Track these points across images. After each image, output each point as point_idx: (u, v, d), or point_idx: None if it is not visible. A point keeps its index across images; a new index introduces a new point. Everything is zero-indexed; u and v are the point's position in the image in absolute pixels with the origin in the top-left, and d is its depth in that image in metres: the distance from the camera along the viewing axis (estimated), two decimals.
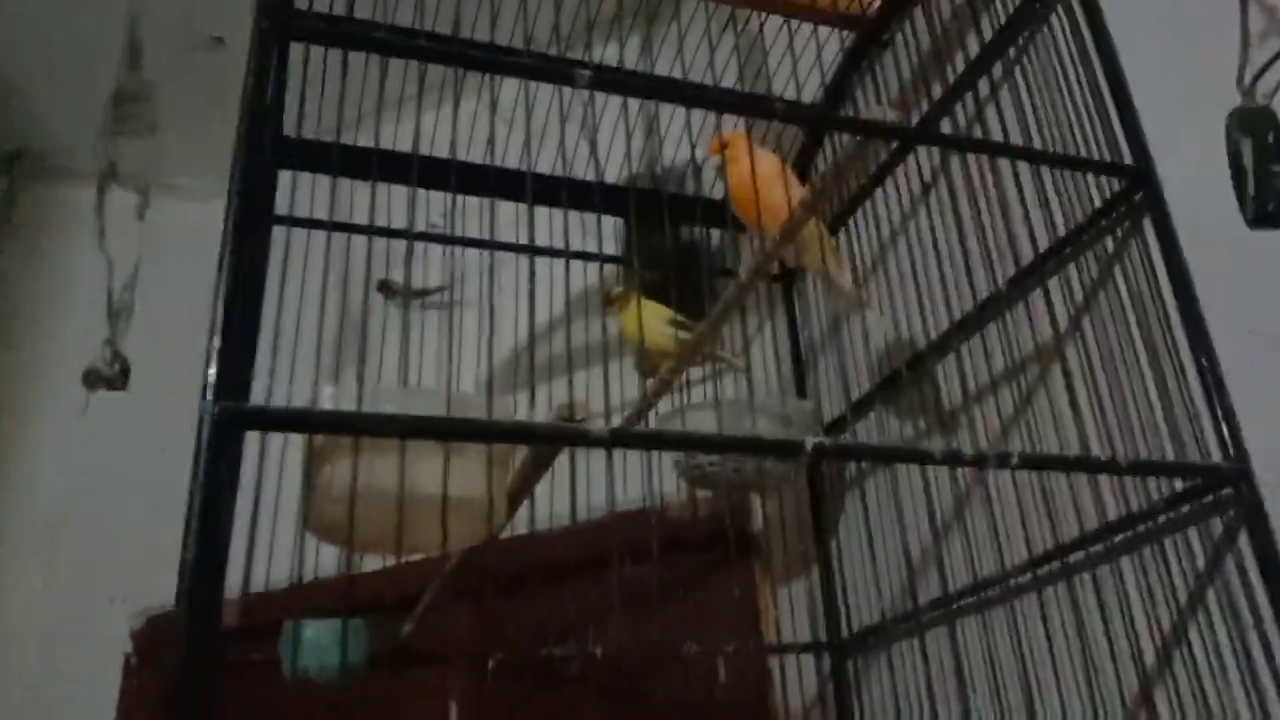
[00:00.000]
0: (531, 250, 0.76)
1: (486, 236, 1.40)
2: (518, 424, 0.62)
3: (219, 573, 0.58)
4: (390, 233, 1.23)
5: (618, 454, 0.64)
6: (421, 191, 1.24)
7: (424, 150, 1.23)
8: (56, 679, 2.03)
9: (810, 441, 0.69)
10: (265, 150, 0.69)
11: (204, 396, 0.59)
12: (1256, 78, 0.79)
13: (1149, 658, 0.93)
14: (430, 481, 0.64)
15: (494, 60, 0.77)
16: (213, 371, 0.59)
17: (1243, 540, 0.85)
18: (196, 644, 0.54)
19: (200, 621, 0.55)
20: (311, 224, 1.04)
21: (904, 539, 1.29)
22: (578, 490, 1.25)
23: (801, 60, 1.43)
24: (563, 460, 1.01)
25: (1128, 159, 1.01)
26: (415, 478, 0.65)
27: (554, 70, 0.78)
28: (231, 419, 0.57)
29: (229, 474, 0.59)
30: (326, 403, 0.69)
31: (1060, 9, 1.11)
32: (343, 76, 0.85)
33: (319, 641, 1.09)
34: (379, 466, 0.65)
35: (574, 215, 1.41)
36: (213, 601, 0.57)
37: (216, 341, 0.60)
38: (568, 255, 0.78)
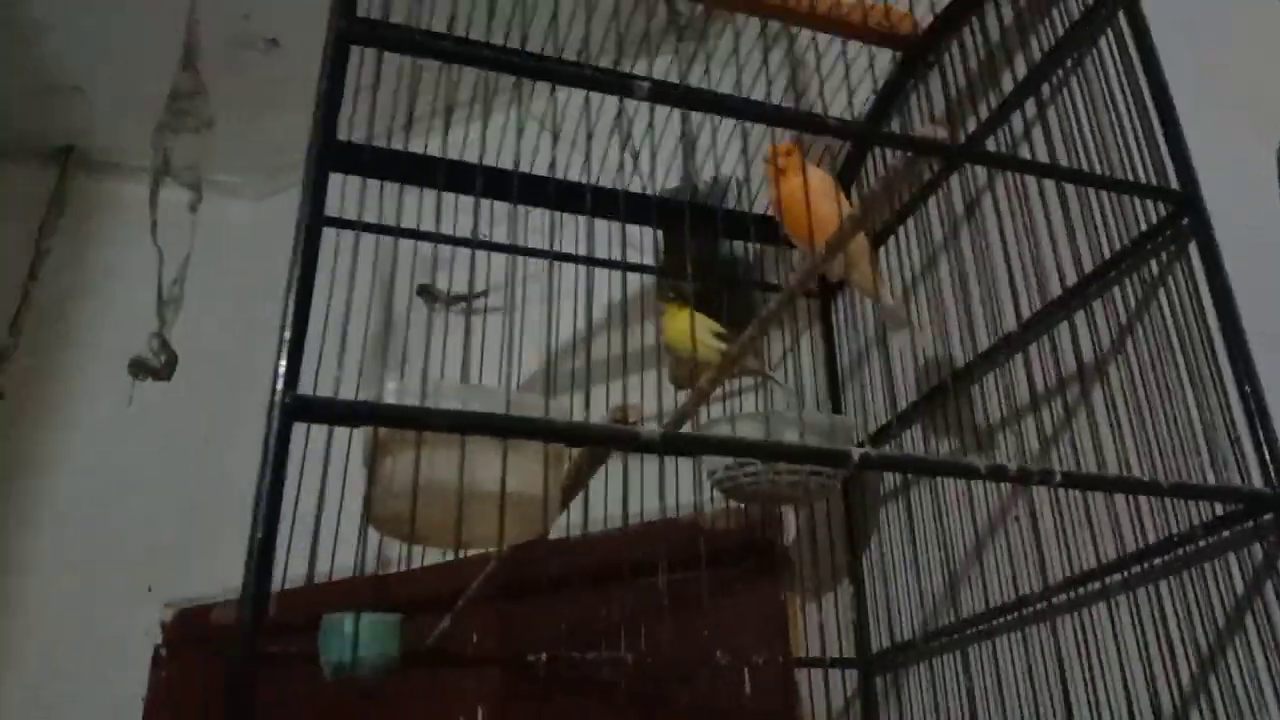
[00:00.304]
0: (590, 261, 0.77)
1: (516, 242, 1.42)
2: (574, 424, 0.64)
3: (271, 563, 0.59)
4: (449, 239, 1.25)
5: (653, 463, 0.65)
6: (450, 198, 1.27)
7: (454, 157, 1.25)
8: (87, 668, 2.06)
9: (857, 451, 0.70)
10: (332, 153, 0.71)
11: (275, 387, 0.60)
12: None
13: (1186, 681, 0.93)
14: (489, 477, 0.66)
15: (555, 70, 0.79)
16: (283, 363, 0.60)
17: None
18: (254, 632, 0.56)
19: (259, 610, 0.57)
20: (364, 227, 1.06)
21: (937, 555, 1.29)
22: (612, 496, 1.26)
23: (851, 76, 1.44)
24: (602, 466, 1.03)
25: (1174, 183, 1.01)
26: (474, 473, 0.66)
27: (614, 81, 0.80)
28: (301, 409, 0.59)
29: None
30: (390, 397, 0.71)
31: (1110, 33, 1.12)
32: (414, 83, 0.87)
33: (359, 635, 1.10)
34: (439, 461, 0.66)
35: (604, 225, 1.44)
36: (267, 591, 0.59)
37: (288, 334, 0.61)
38: (625, 266, 0.79)
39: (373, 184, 1.16)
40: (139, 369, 2.04)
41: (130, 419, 2.25)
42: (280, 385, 0.60)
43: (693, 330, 1.43)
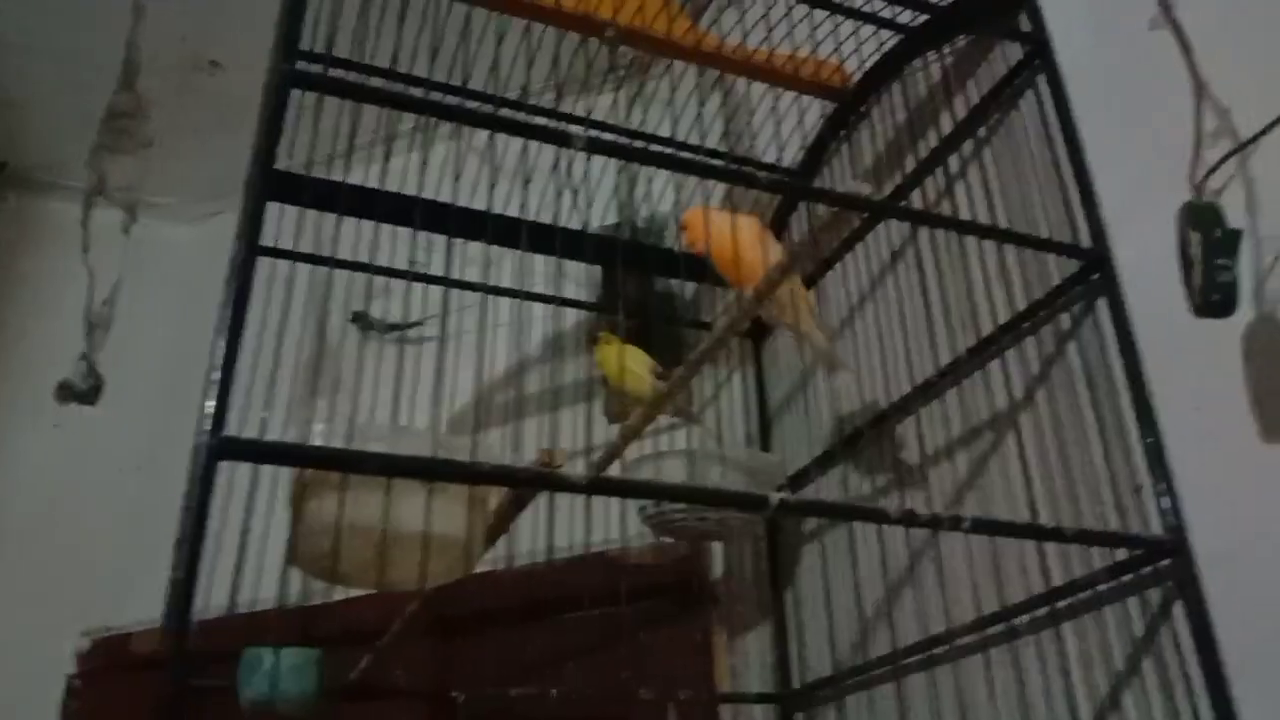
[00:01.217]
0: (525, 295, 0.79)
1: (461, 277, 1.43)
2: (500, 467, 0.65)
3: (191, 604, 0.60)
4: (386, 271, 1.26)
5: (580, 499, 0.66)
6: (388, 230, 1.28)
7: (393, 189, 1.27)
8: None
9: (775, 496, 0.73)
10: (272, 187, 0.71)
11: (200, 427, 0.61)
12: (1207, 175, 0.85)
13: None
14: (412, 519, 0.67)
15: (495, 118, 0.81)
16: (211, 404, 0.61)
17: (1178, 609, 0.90)
18: (181, 666, 0.56)
19: (182, 643, 0.57)
20: (300, 257, 1.06)
21: (857, 594, 1.32)
22: (539, 531, 1.27)
23: (784, 124, 1.49)
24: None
25: (1087, 241, 1.06)
26: (398, 514, 0.67)
27: (551, 131, 0.82)
28: (227, 450, 0.60)
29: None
30: (318, 439, 0.71)
31: (1031, 94, 1.17)
32: (355, 118, 0.89)
33: (275, 669, 1.09)
34: (363, 502, 0.67)
35: (544, 261, 1.46)
36: (188, 626, 0.59)
37: (216, 375, 0.62)
38: (559, 301, 0.81)
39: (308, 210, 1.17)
40: (65, 393, 2.00)
41: (56, 443, 2.20)
42: (208, 426, 0.61)
43: (622, 361, 1.45)
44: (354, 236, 1.16)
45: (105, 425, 2.20)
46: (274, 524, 1.03)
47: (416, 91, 1.25)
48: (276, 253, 1.13)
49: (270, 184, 0.76)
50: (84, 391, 2.00)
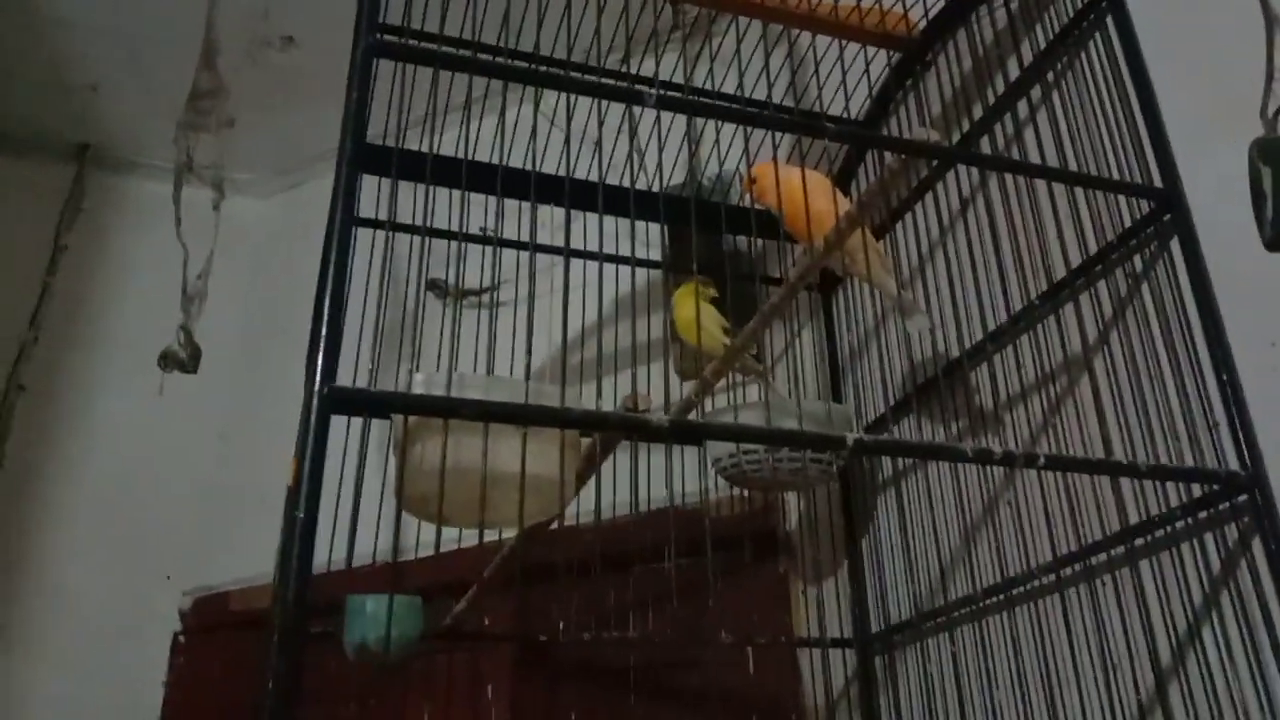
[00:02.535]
0: (600, 256, 0.82)
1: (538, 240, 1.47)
2: (589, 411, 0.68)
3: (313, 548, 0.64)
4: (470, 237, 1.29)
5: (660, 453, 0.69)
6: (467, 195, 1.32)
7: (473, 155, 1.30)
8: (108, 655, 2.11)
9: (851, 436, 0.75)
10: (363, 159, 0.76)
11: (313, 381, 0.65)
12: (1279, 110, 0.84)
13: (1165, 657, 0.98)
14: (510, 461, 0.71)
15: (568, 79, 0.84)
16: (320, 357, 0.65)
17: (1256, 545, 0.91)
18: (296, 618, 0.61)
19: (300, 596, 0.62)
20: (393, 227, 1.11)
21: (934, 538, 1.35)
22: (621, 484, 1.32)
23: (849, 76, 1.49)
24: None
25: (1158, 182, 1.06)
26: (497, 457, 0.71)
27: (623, 91, 0.85)
28: (340, 401, 0.64)
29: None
30: (419, 388, 0.76)
31: (1099, 36, 1.16)
32: (432, 93, 0.92)
33: (377, 614, 1.15)
34: (463, 446, 0.71)
35: (612, 221, 1.48)
36: (308, 575, 0.63)
37: (324, 329, 0.66)
38: (634, 262, 0.84)
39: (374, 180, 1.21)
40: (167, 361, 2.10)
41: (148, 411, 2.30)
42: (319, 378, 0.65)
43: (698, 317, 1.48)
44: (425, 203, 1.20)
45: (198, 391, 2.30)
46: (367, 480, 1.08)
47: (488, 59, 1.29)
48: (370, 223, 1.18)
49: (362, 155, 0.80)
50: (184, 360, 2.10)
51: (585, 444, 0.92)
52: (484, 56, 1.23)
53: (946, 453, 0.83)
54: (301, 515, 0.62)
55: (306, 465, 0.64)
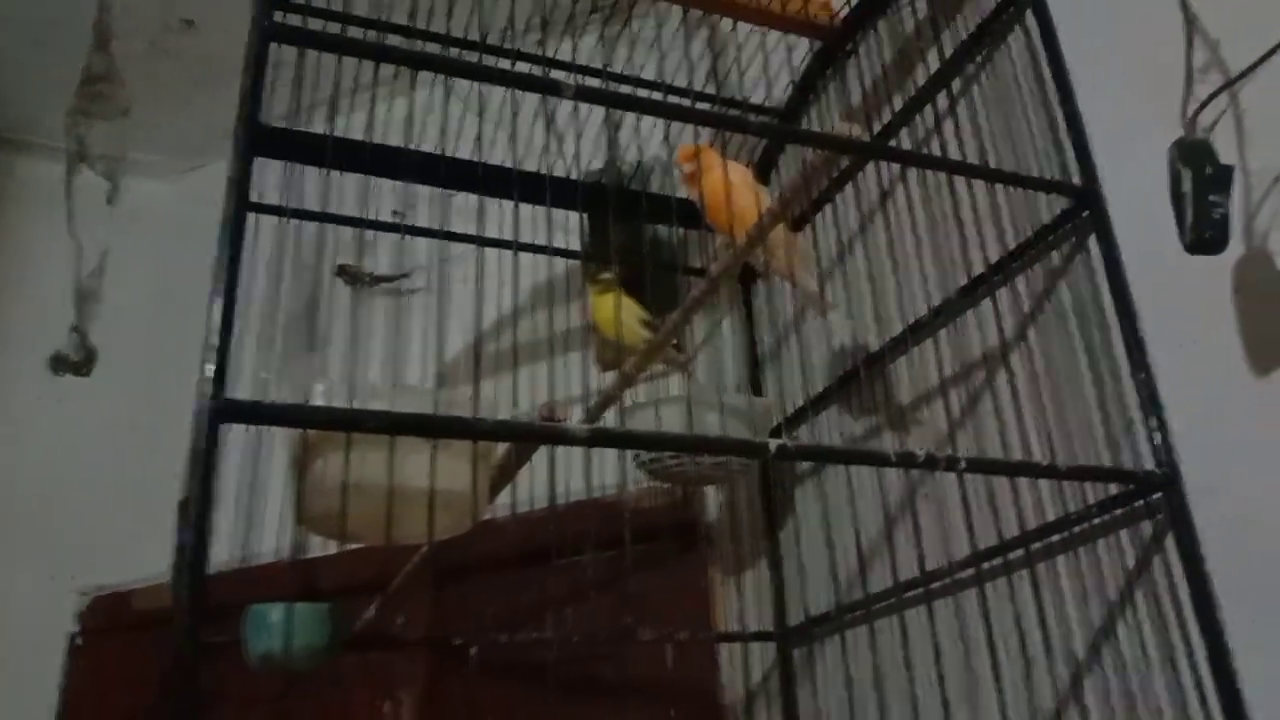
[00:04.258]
0: (516, 246, 0.79)
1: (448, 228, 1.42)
2: (502, 423, 0.65)
3: (205, 564, 0.60)
4: (376, 224, 1.25)
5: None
6: (374, 182, 1.26)
7: (379, 139, 1.25)
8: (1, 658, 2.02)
9: (774, 443, 0.73)
10: (258, 143, 0.71)
11: (201, 391, 0.61)
12: (1198, 111, 0.85)
13: (1080, 651, 0.99)
14: (417, 475, 0.67)
15: (482, 69, 0.80)
16: (211, 367, 0.61)
17: (1169, 542, 0.91)
18: (194, 622, 0.57)
19: (197, 601, 0.58)
20: (291, 213, 1.06)
21: (854, 532, 1.34)
22: (538, 479, 1.28)
23: (771, 64, 1.47)
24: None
25: (1076, 179, 1.06)
26: (403, 471, 0.67)
27: (540, 81, 0.81)
28: (230, 412, 0.60)
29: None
30: (319, 399, 0.71)
31: (1020, 29, 1.16)
32: (336, 76, 0.87)
33: (282, 624, 1.10)
34: (368, 460, 0.67)
35: (528, 209, 1.44)
36: (203, 590, 0.59)
37: (215, 339, 0.62)
38: (550, 251, 0.81)
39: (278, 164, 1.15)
40: (59, 365, 1.98)
41: (47, 406, 2.19)
42: (209, 389, 0.60)
43: (618, 315, 1.45)
44: (331, 188, 1.15)
45: (95, 387, 2.19)
46: (269, 479, 1.03)
47: (398, 40, 1.23)
48: (265, 209, 1.13)
49: (257, 140, 0.75)
50: (77, 363, 1.98)
51: (499, 451, 0.89)
52: (393, 38, 1.17)
53: (870, 457, 0.82)
54: (192, 539, 0.57)
55: (198, 481, 0.60)
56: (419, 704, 1.61)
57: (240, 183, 0.71)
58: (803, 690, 1.45)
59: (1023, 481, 1.06)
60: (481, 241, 0.99)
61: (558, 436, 0.65)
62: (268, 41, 0.73)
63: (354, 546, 1.49)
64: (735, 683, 1.54)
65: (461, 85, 1.13)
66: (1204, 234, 0.79)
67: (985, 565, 1.09)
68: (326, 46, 0.77)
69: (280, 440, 0.88)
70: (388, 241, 1.78)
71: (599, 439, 0.67)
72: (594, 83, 1.21)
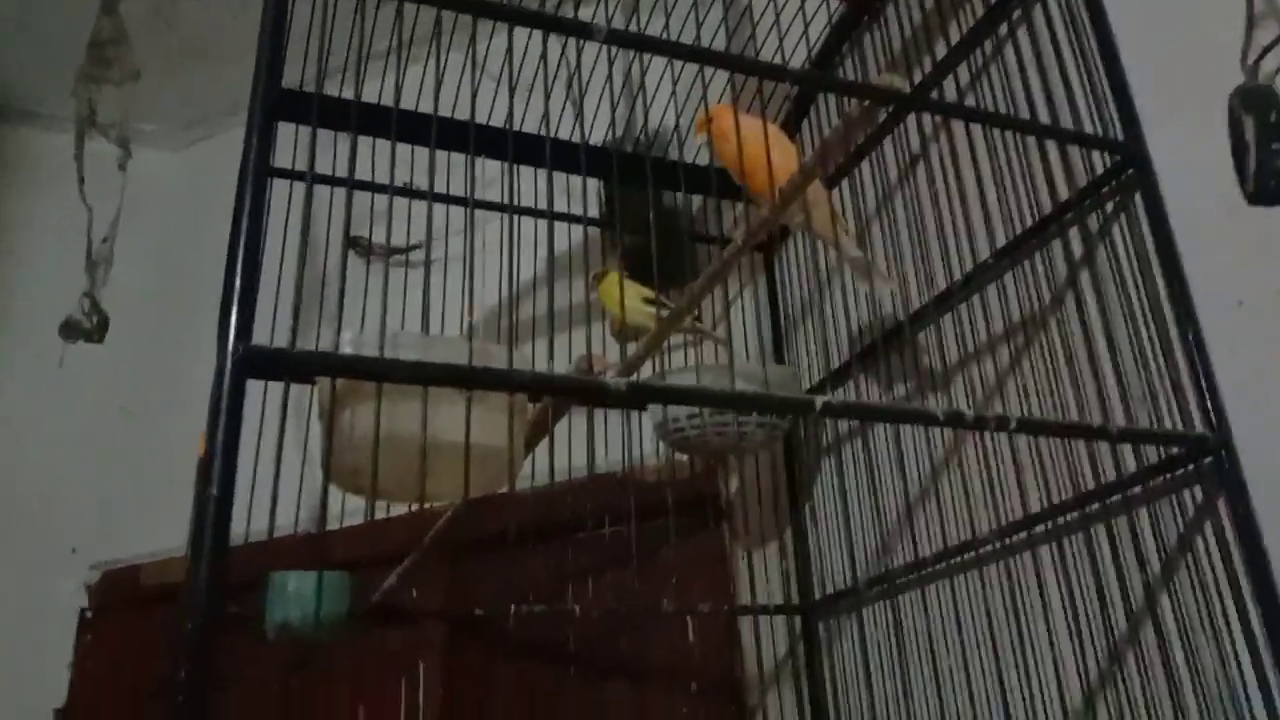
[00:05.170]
0: (551, 215, 0.75)
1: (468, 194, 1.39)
2: (540, 374, 0.62)
3: (229, 524, 0.57)
4: (402, 191, 1.21)
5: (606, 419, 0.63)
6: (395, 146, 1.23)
7: (406, 105, 1.21)
8: (9, 632, 2.00)
9: (819, 400, 0.70)
10: (279, 105, 0.67)
11: (226, 340, 0.58)
12: (1260, 58, 0.81)
13: (1121, 625, 0.96)
14: (452, 428, 0.64)
15: (513, 10, 0.76)
16: (235, 314, 0.58)
17: (1221, 508, 0.88)
18: (213, 595, 0.54)
19: (215, 582, 0.55)
20: (314, 178, 1.02)
21: (876, 504, 1.31)
22: (560, 452, 1.26)
23: (789, 31, 1.43)
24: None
25: (1120, 136, 1.02)
26: (437, 425, 0.64)
27: (572, 24, 0.77)
28: (256, 362, 0.57)
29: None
30: (347, 348, 0.68)
31: None
32: (373, 20, 0.84)
33: (301, 592, 1.08)
34: (400, 413, 0.64)
35: (556, 177, 1.41)
36: (225, 552, 0.56)
37: (238, 284, 0.59)
38: (551, 216, 0.77)
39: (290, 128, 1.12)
40: (71, 331, 1.94)
41: (51, 379, 2.16)
42: (232, 337, 0.57)
43: (621, 301, 1.43)
44: (345, 155, 1.11)
45: (99, 360, 2.16)
46: (287, 448, 1.00)
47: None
48: (288, 174, 1.10)
49: (278, 100, 0.71)
50: (90, 329, 1.95)
51: (533, 409, 0.86)
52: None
53: (917, 416, 0.78)
54: (215, 493, 0.54)
55: (220, 435, 0.57)
56: (435, 679, 1.59)
57: (262, 139, 0.67)
58: (827, 663, 1.42)
59: (1055, 449, 1.03)
60: (514, 210, 0.96)
61: (597, 390, 0.62)
62: None
63: (354, 523, 1.47)
64: (759, 656, 1.51)
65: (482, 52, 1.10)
66: (1269, 183, 0.75)
67: (1025, 534, 1.06)
68: None
69: (291, 411, 0.85)
70: (400, 211, 1.75)
71: (639, 393, 0.63)
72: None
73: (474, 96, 0.93)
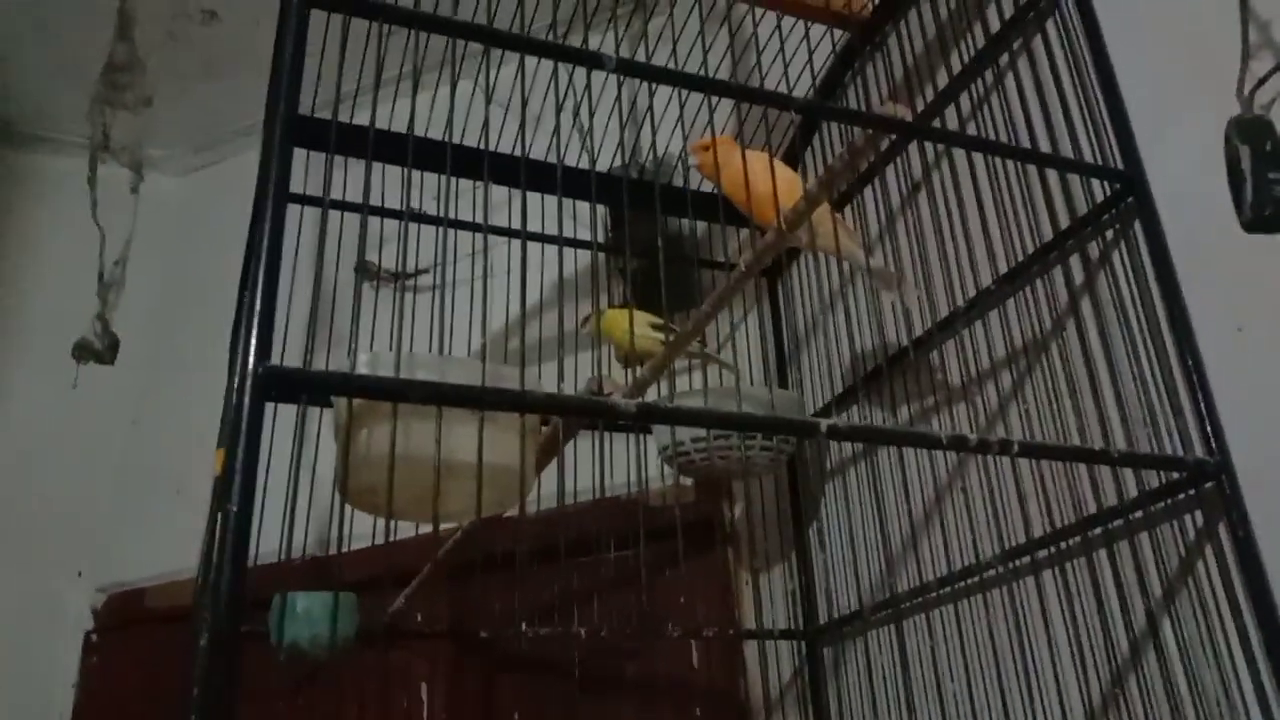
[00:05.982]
0: (560, 241, 0.77)
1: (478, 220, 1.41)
2: (552, 395, 0.63)
3: (247, 545, 0.58)
4: (421, 218, 1.23)
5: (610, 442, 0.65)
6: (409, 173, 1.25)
7: (419, 131, 1.23)
8: (15, 654, 2.00)
9: (824, 423, 0.71)
10: (293, 125, 0.69)
11: (242, 360, 0.59)
12: (1255, 88, 0.83)
13: (1123, 647, 0.96)
14: (463, 449, 0.65)
15: (525, 40, 0.78)
16: (254, 334, 0.59)
17: (1221, 532, 0.89)
18: (232, 615, 0.55)
19: (235, 599, 0.56)
20: (332, 204, 1.04)
21: (880, 529, 1.32)
22: (567, 474, 1.26)
23: (793, 60, 1.45)
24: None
25: (1119, 164, 1.04)
26: (451, 445, 0.66)
27: (582, 54, 0.79)
28: (275, 382, 0.58)
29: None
30: (364, 368, 0.70)
31: (1057, 15, 1.14)
32: (380, 49, 0.86)
33: (310, 613, 1.09)
34: (414, 433, 0.65)
35: (557, 201, 1.43)
36: (243, 573, 0.57)
37: (258, 306, 0.60)
38: (561, 242, 0.79)
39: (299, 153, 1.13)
40: (82, 352, 1.96)
41: (59, 401, 2.17)
42: (252, 358, 0.59)
43: (631, 327, 1.43)
44: (354, 180, 1.13)
45: (107, 381, 2.17)
46: (294, 474, 1.01)
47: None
48: (306, 199, 1.11)
49: (295, 126, 0.73)
50: (101, 350, 1.96)
51: (543, 430, 0.87)
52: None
53: (921, 439, 0.80)
54: (235, 509, 0.55)
55: (240, 454, 0.58)
56: (440, 699, 1.59)
57: (281, 165, 0.68)
58: (831, 690, 1.42)
59: (1057, 474, 1.04)
60: (525, 236, 0.98)
61: (607, 410, 0.63)
62: (308, 6, 0.71)
63: (377, 543, 1.48)
64: (758, 681, 1.51)
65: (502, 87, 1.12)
66: (1264, 211, 0.77)
67: (1024, 559, 1.07)
68: (370, 14, 0.75)
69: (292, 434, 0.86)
70: (401, 237, 1.77)
71: (648, 414, 0.65)
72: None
73: (485, 124, 0.95)
